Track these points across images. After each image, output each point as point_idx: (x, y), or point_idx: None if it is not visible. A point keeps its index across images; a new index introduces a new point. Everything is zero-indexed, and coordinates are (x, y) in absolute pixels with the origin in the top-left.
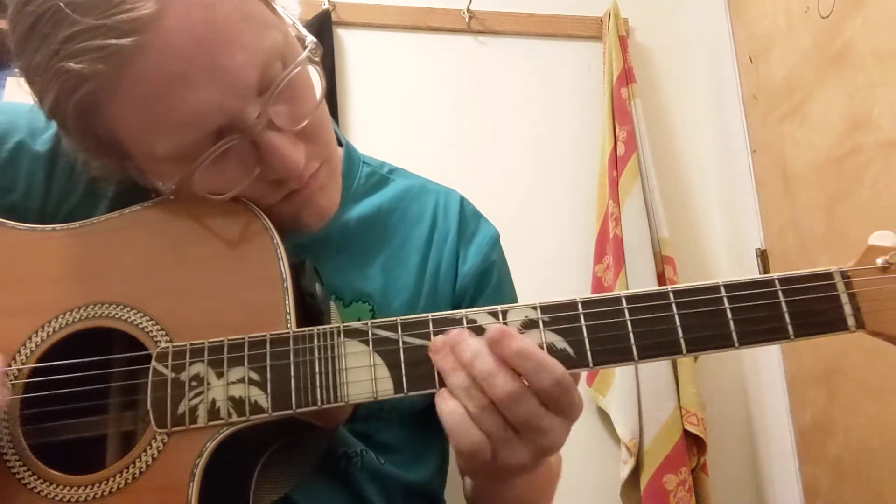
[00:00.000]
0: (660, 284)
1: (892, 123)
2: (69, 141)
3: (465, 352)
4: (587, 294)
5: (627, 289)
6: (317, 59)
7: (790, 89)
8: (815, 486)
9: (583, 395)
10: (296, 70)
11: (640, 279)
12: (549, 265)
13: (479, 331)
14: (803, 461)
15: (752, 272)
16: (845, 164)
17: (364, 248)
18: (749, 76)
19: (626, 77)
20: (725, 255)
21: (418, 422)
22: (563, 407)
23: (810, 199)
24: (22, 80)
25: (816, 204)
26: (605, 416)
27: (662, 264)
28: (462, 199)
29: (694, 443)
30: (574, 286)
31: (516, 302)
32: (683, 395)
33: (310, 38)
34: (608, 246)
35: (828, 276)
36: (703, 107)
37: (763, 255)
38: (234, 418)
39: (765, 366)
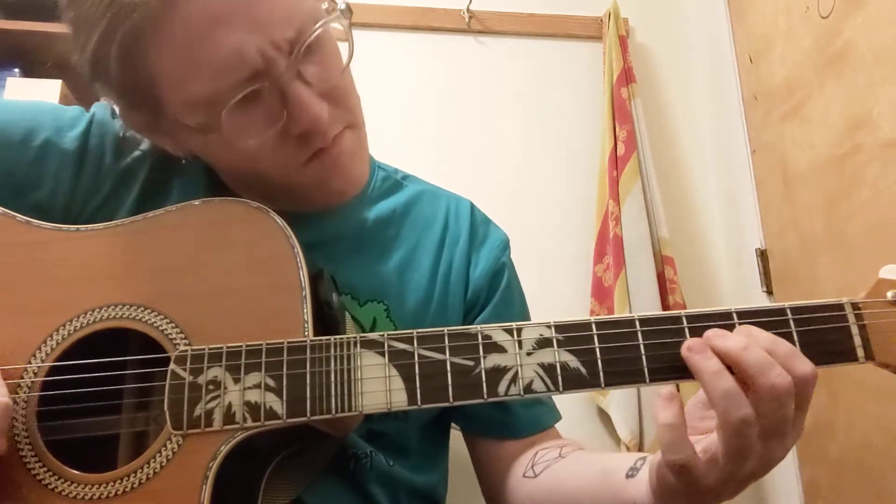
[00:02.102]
0: (660, 284)
1: (892, 123)
2: (108, 92)
3: (733, 342)
4: (587, 293)
5: (627, 288)
6: (347, 19)
7: (790, 89)
8: (816, 486)
9: (583, 395)
10: (327, 25)
11: (640, 279)
12: (549, 265)
13: (495, 346)
14: (804, 461)
15: (752, 272)
16: (845, 164)
17: (379, 249)
18: (749, 76)
19: (626, 77)
20: (725, 255)
21: (432, 426)
22: (804, 404)
23: (810, 199)
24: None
25: (816, 204)
26: (605, 417)
27: (662, 264)
28: (472, 206)
29: None
30: (574, 286)
31: (524, 304)
32: (684, 396)
33: (341, 2)
34: (608, 246)
35: (839, 307)
36: (703, 107)
37: (763, 255)
38: (249, 423)
39: None
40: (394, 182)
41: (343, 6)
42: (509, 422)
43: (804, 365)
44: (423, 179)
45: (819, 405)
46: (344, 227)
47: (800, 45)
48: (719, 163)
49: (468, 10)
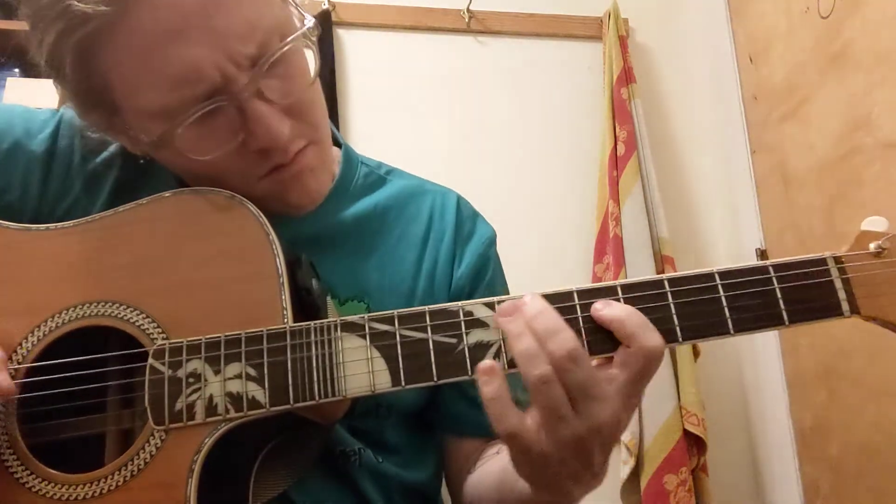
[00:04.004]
0: None
1: (891, 124)
2: (63, 92)
3: (530, 309)
4: None
5: None
6: (313, 38)
7: (790, 89)
8: (815, 486)
9: None
10: (290, 45)
11: None
12: (549, 265)
13: (477, 323)
14: (803, 461)
15: None
16: (845, 164)
17: (360, 247)
18: (749, 76)
19: (626, 77)
20: (725, 255)
21: (415, 422)
22: (647, 375)
23: (810, 200)
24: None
25: (816, 204)
26: None
27: (662, 264)
28: (459, 199)
29: (694, 443)
30: (574, 286)
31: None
32: (683, 396)
33: (309, 19)
34: (608, 246)
35: (821, 261)
36: (703, 107)
37: (763, 255)
38: (232, 414)
39: (765, 366)
40: (376, 178)
41: (311, 24)
42: (482, 421)
43: (654, 338)
44: (409, 173)
45: (818, 405)
46: (323, 224)
47: (800, 45)
48: (719, 163)
49: (468, 10)
